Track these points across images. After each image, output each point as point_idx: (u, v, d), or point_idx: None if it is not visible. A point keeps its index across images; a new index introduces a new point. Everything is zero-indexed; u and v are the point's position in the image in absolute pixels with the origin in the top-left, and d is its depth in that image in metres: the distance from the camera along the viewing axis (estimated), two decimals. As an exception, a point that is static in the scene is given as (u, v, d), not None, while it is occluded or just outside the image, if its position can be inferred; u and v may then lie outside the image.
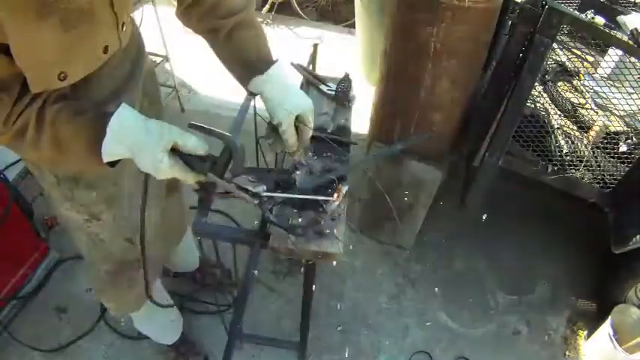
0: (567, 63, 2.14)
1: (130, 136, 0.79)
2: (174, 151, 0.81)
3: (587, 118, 2.00)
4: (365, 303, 2.17)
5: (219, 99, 3.07)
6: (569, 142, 1.96)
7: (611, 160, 1.96)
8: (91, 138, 0.79)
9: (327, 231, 1.09)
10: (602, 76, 2.00)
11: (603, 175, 1.96)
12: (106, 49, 0.90)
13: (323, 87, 1.54)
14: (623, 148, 1.91)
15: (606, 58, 2.00)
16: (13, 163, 2.27)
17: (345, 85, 1.50)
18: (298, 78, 1.63)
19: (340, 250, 1.07)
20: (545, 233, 2.51)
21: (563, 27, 1.84)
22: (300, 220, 1.10)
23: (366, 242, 2.42)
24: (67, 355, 1.88)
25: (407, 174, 2.02)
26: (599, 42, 1.84)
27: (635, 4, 2.18)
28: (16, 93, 0.77)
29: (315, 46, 1.78)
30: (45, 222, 2.26)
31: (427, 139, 1.79)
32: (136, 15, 2.44)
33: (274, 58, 1.04)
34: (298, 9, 3.96)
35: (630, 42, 1.64)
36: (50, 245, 2.14)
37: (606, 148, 1.94)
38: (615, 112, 1.96)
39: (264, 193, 0.90)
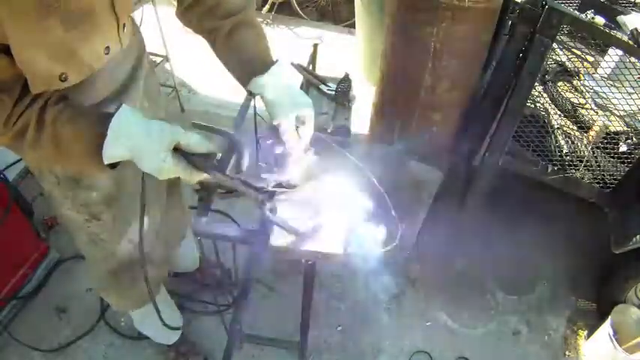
0: (567, 63, 2.14)
1: (132, 137, 0.79)
2: (177, 151, 0.81)
3: (587, 118, 2.00)
4: (365, 303, 2.17)
5: (219, 99, 3.07)
6: (569, 142, 1.96)
7: (611, 160, 1.96)
8: (92, 140, 0.79)
9: (328, 231, 1.09)
10: (602, 76, 2.00)
11: (603, 175, 1.96)
12: (107, 50, 0.90)
13: (323, 87, 1.55)
14: (623, 148, 1.91)
15: (606, 58, 2.00)
16: (13, 163, 2.27)
17: (345, 85, 1.50)
18: (299, 78, 1.63)
19: (341, 251, 1.07)
20: (545, 233, 2.50)
21: (563, 27, 1.85)
22: (300, 219, 1.10)
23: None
24: (67, 355, 1.88)
25: (407, 174, 2.02)
26: (599, 42, 1.84)
27: (635, 4, 2.18)
28: (17, 94, 0.77)
29: (315, 46, 1.78)
30: (45, 222, 2.26)
31: (427, 140, 1.79)
32: (136, 15, 2.43)
33: (274, 59, 1.04)
34: (298, 9, 3.96)
35: (630, 42, 1.64)
36: (50, 245, 2.14)
37: (606, 148, 1.94)
38: (615, 112, 1.96)
39: (269, 188, 0.90)
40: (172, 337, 1.82)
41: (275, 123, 0.99)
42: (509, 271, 2.37)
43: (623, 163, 1.92)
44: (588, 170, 1.96)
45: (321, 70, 1.70)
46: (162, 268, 1.55)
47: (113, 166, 0.83)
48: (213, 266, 2.03)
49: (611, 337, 1.84)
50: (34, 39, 0.73)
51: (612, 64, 1.89)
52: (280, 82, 1.00)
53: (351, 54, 3.53)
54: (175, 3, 1.06)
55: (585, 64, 2.15)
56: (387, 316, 2.14)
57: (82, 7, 0.77)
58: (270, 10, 3.90)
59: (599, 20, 1.95)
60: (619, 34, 1.75)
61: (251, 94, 1.07)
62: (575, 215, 2.45)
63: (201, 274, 2.09)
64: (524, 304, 2.24)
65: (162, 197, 1.41)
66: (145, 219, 1.27)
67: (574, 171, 1.94)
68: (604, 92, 1.98)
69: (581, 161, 1.93)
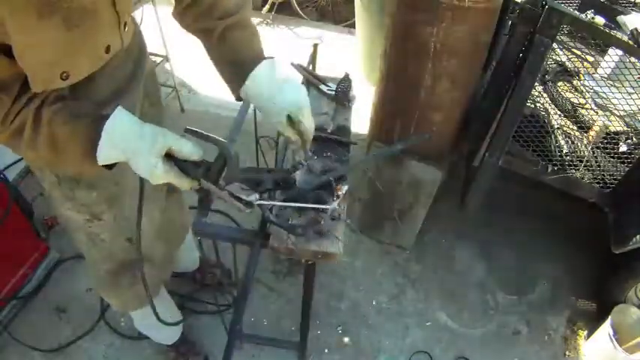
0: (567, 63, 2.14)
1: (125, 140, 0.79)
2: (169, 157, 0.81)
3: (587, 118, 2.00)
4: (365, 303, 2.18)
5: (219, 99, 3.07)
6: (569, 142, 1.96)
7: (611, 160, 1.96)
8: (87, 141, 0.79)
9: (327, 231, 1.09)
10: (602, 76, 2.00)
11: (603, 175, 1.96)
12: (108, 49, 0.90)
13: (323, 87, 1.55)
14: (623, 148, 1.91)
15: (606, 58, 2.00)
16: (13, 163, 2.27)
17: (345, 85, 1.50)
18: (298, 77, 1.63)
19: (340, 250, 1.07)
20: (545, 233, 2.51)
21: (563, 27, 1.85)
22: (300, 219, 1.10)
23: (366, 242, 2.42)
24: (67, 355, 1.88)
25: (407, 174, 2.02)
26: (599, 42, 1.84)
27: (635, 4, 2.18)
28: (16, 92, 0.77)
29: (315, 46, 1.78)
30: (45, 222, 2.26)
31: (427, 139, 1.79)
32: (136, 15, 2.43)
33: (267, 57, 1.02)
34: (298, 9, 3.96)
35: (630, 42, 1.64)
36: (50, 245, 2.14)
37: (606, 148, 1.94)
38: (615, 112, 1.96)
39: (257, 202, 0.90)
40: (172, 337, 1.82)
41: (276, 124, 0.98)
42: (509, 271, 2.37)
43: (623, 163, 1.93)
44: (588, 170, 1.96)
45: (321, 70, 1.70)
46: (163, 269, 1.55)
47: (110, 166, 0.83)
48: (213, 266, 2.03)
49: (611, 337, 1.84)
50: (35, 37, 0.73)
51: (612, 64, 1.89)
52: (267, 80, 0.98)
53: (351, 54, 3.54)
54: (173, 2, 1.06)
55: (585, 64, 2.15)
56: (387, 316, 2.14)
57: (84, 6, 0.77)
58: (270, 10, 3.90)
59: (599, 20, 1.95)
60: (619, 34, 1.75)
61: (239, 99, 1.05)
62: (575, 215, 2.45)
63: (201, 274, 2.10)
64: (524, 304, 2.25)
65: (162, 197, 1.41)
66: (145, 219, 1.28)
67: (574, 171, 1.95)
68: (604, 92, 1.98)
69: (581, 161, 1.93)
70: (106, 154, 0.79)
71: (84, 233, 1.22)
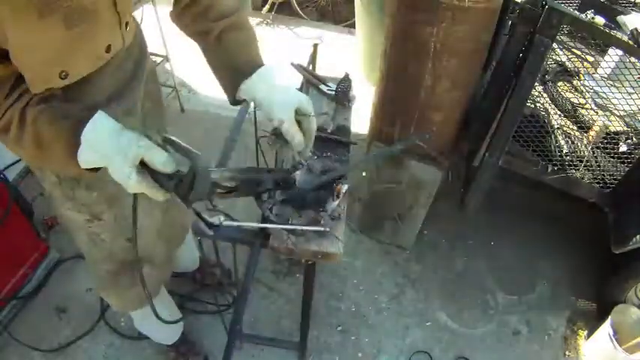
0: (567, 63, 2.14)
1: (103, 147, 0.77)
2: (144, 166, 0.79)
3: (587, 118, 2.00)
4: (365, 303, 2.18)
5: (219, 99, 3.05)
6: (569, 142, 1.96)
7: (611, 160, 1.96)
8: (69, 144, 0.78)
9: (327, 231, 1.09)
10: (602, 76, 2.00)
11: (603, 175, 1.96)
12: (108, 48, 0.90)
13: (323, 87, 1.55)
14: (623, 148, 1.91)
15: (606, 58, 2.00)
16: (13, 163, 2.27)
17: (345, 85, 1.50)
18: (298, 79, 1.63)
19: (340, 250, 1.07)
20: (545, 233, 2.51)
21: (563, 27, 1.85)
22: (300, 219, 1.10)
23: (366, 242, 2.42)
24: (67, 355, 1.88)
25: (407, 174, 2.02)
26: (599, 42, 1.84)
27: (635, 4, 2.18)
28: (5, 92, 0.78)
29: (315, 46, 1.78)
30: (45, 222, 2.26)
31: (427, 140, 1.79)
32: (136, 15, 2.43)
33: (265, 63, 1.01)
34: (298, 9, 3.96)
35: (630, 42, 1.64)
36: (50, 245, 2.14)
37: (606, 148, 1.94)
38: (615, 112, 1.96)
39: (223, 222, 0.88)
40: (172, 337, 1.82)
41: (276, 124, 0.96)
42: (509, 271, 2.37)
43: (623, 163, 1.93)
44: (588, 170, 1.96)
45: (321, 70, 1.70)
46: (164, 269, 1.55)
47: (96, 169, 0.82)
48: (213, 266, 2.03)
49: (611, 337, 1.84)
50: (34, 37, 0.73)
51: (612, 64, 1.89)
52: (270, 82, 0.98)
53: (351, 54, 3.54)
54: (172, 3, 1.06)
55: (585, 64, 2.15)
56: (387, 316, 2.14)
57: (84, 5, 0.77)
58: (270, 10, 3.90)
59: (599, 20, 1.95)
60: (619, 34, 1.75)
61: (234, 104, 1.04)
62: (575, 215, 2.45)
63: (201, 274, 2.10)
64: (524, 304, 2.25)
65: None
66: (147, 219, 1.28)
67: (574, 171, 1.95)
68: (604, 92, 1.98)
69: (581, 161, 1.93)
70: (85, 158, 0.78)
71: (84, 233, 1.22)
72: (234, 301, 1.65)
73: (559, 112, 2.04)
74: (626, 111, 1.89)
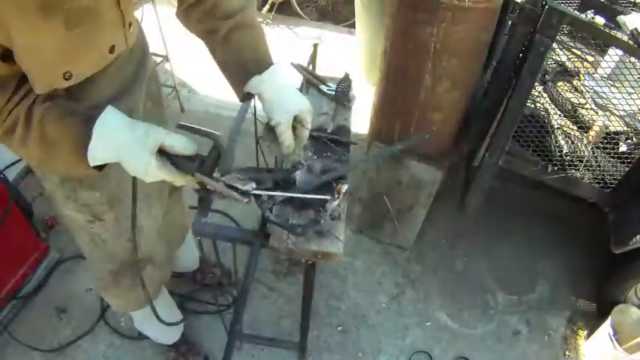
0: (567, 63, 2.14)
1: (116, 139, 0.78)
2: (162, 153, 0.80)
3: (587, 118, 2.00)
4: (365, 303, 2.18)
5: (219, 99, 3.07)
6: (569, 142, 1.96)
7: (611, 160, 1.96)
8: (77, 141, 0.78)
9: (327, 231, 1.09)
10: (602, 76, 2.00)
11: (603, 175, 1.96)
12: (112, 49, 0.90)
13: (323, 87, 1.55)
14: (623, 148, 1.91)
15: (606, 58, 2.00)
16: (13, 163, 2.27)
17: (345, 85, 1.50)
18: (298, 79, 1.63)
19: (340, 250, 1.07)
20: (545, 233, 2.51)
21: (563, 27, 1.84)
22: (300, 219, 1.10)
23: (366, 242, 2.42)
24: (67, 355, 1.88)
25: (407, 174, 2.02)
26: (599, 42, 1.84)
27: (635, 4, 2.18)
28: (10, 92, 0.77)
29: (315, 46, 1.78)
30: (45, 222, 2.26)
31: (427, 140, 1.79)
32: (136, 15, 2.43)
33: (273, 61, 1.03)
34: (298, 9, 3.96)
35: (630, 42, 1.64)
36: (50, 245, 2.14)
37: (606, 148, 1.94)
38: (615, 112, 1.96)
39: (254, 191, 0.90)
40: (172, 338, 1.82)
41: (273, 124, 0.98)
42: (509, 271, 2.37)
43: (623, 163, 1.93)
44: (588, 170, 1.96)
45: (321, 70, 1.70)
46: (164, 269, 1.55)
47: (101, 167, 0.83)
48: (213, 266, 2.03)
49: (611, 337, 1.84)
50: (39, 38, 0.73)
51: (612, 64, 1.89)
52: (278, 83, 0.99)
53: (351, 54, 3.54)
54: (175, 3, 1.06)
55: (585, 64, 2.15)
56: (387, 316, 2.14)
57: (86, 5, 0.77)
58: (270, 10, 3.90)
59: (599, 20, 1.95)
60: (619, 34, 1.75)
61: (243, 100, 1.06)
62: (575, 215, 2.45)
63: (201, 274, 2.10)
64: (524, 304, 2.25)
65: (164, 196, 1.41)
66: (148, 219, 1.28)
67: (574, 171, 1.94)
68: (604, 92, 1.98)
69: (581, 161, 1.93)
70: (96, 154, 0.78)
71: (85, 233, 1.22)
72: (234, 301, 1.65)
73: (559, 112, 2.04)
74: (626, 111, 1.89)
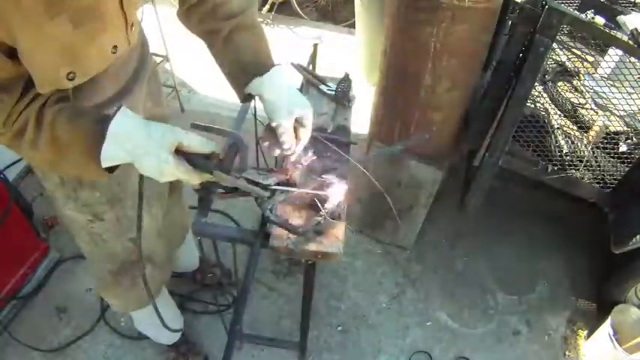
0: (567, 63, 2.14)
1: (132, 140, 0.78)
2: (178, 153, 0.81)
3: (587, 118, 2.00)
4: (365, 303, 2.18)
5: (219, 99, 3.07)
6: (569, 142, 1.96)
7: (611, 160, 1.96)
8: (90, 142, 0.78)
9: (327, 231, 1.09)
10: (602, 76, 2.00)
11: (603, 175, 1.96)
12: (114, 49, 0.90)
13: (323, 87, 1.55)
14: (623, 148, 1.91)
15: (606, 58, 2.00)
16: (13, 163, 2.27)
17: (345, 85, 1.50)
18: (298, 79, 1.63)
19: (340, 250, 1.07)
20: (545, 233, 2.51)
21: (563, 27, 1.84)
22: (300, 219, 1.10)
23: (366, 242, 2.42)
24: (67, 355, 1.88)
25: (407, 174, 2.02)
26: (599, 42, 1.84)
27: (635, 4, 2.18)
28: (18, 93, 0.77)
29: (315, 46, 1.78)
30: (45, 222, 2.26)
31: (427, 140, 1.79)
32: (137, 15, 2.43)
33: (275, 62, 1.03)
34: (298, 9, 3.96)
35: (630, 42, 1.64)
36: (50, 245, 2.14)
37: (606, 148, 1.94)
38: (615, 112, 1.96)
39: (275, 186, 0.91)
40: (172, 338, 1.82)
41: (274, 125, 0.98)
42: (509, 271, 2.37)
43: (623, 163, 1.93)
44: (588, 170, 1.96)
45: (321, 70, 1.70)
46: (164, 269, 1.55)
47: (111, 169, 0.83)
48: (213, 266, 2.03)
49: (611, 337, 1.84)
50: (43, 38, 0.73)
51: (612, 64, 1.89)
52: (280, 84, 0.99)
53: (351, 54, 3.53)
54: (176, 3, 1.06)
55: (585, 64, 2.15)
56: (387, 316, 2.14)
57: (91, 5, 0.77)
58: (270, 10, 3.90)
59: (599, 20, 1.95)
60: (619, 34, 1.75)
61: (244, 101, 1.06)
62: (575, 215, 2.45)
63: (201, 274, 2.10)
64: (524, 304, 2.25)
65: (164, 196, 1.41)
66: (148, 219, 1.28)
67: (574, 171, 1.94)
68: (604, 92, 1.98)
69: (581, 161, 1.93)
70: (110, 155, 0.78)
71: (86, 233, 1.22)
72: (234, 301, 1.65)
73: (559, 112, 2.04)
74: (626, 111, 1.89)
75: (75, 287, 2.07)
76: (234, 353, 1.72)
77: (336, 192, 1.08)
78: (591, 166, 1.96)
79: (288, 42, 3.74)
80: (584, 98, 2.06)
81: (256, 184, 0.88)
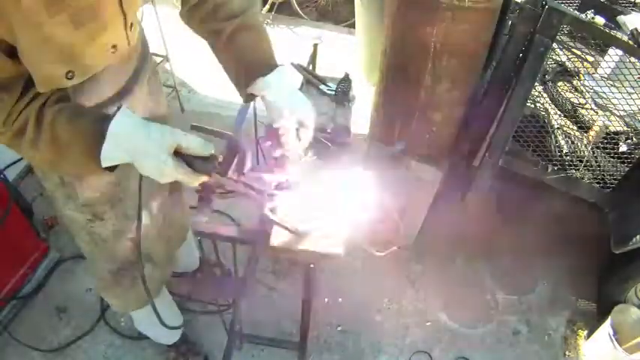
0: (567, 63, 2.14)
1: (131, 140, 0.78)
2: (177, 154, 0.81)
3: (587, 118, 2.00)
4: (365, 303, 2.17)
5: (219, 99, 3.07)
6: (569, 142, 1.96)
7: (611, 160, 1.96)
8: (90, 141, 0.78)
9: (328, 231, 1.09)
10: (602, 76, 2.00)
11: (603, 175, 1.96)
12: (114, 48, 0.90)
13: (323, 87, 1.55)
14: (623, 148, 1.91)
15: (606, 58, 1.99)
16: (13, 163, 2.27)
17: (345, 85, 1.51)
18: (299, 78, 1.63)
19: (340, 251, 1.07)
20: (545, 233, 2.50)
21: (563, 27, 1.84)
22: (300, 220, 1.10)
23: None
24: (67, 355, 1.88)
25: (407, 174, 2.02)
26: (599, 42, 1.84)
27: (635, 4, 2.18)
28: (18, 93, 0.77)
29: (315, 46, 1.78)
30: (45, 222, 2.26)
31: (427, 140, 1.79)
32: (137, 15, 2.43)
33: (278, 63, 1.03)
34: (298, 9, 3.96)
35: (630, 42, 1.64)
36: (50, 245, 2.14)
37: (606, 148, 1.94)
38: (615, 112, 1.96)
39: (271, 191, 0.91)
40: (172, 337, 1.82)
41: (275, 125, 0.99)
42: (509, 271, 2.37)
43: (623, 163, 1.92)
44: (588, 170, 1.96)
45: (321, 70, 1.70)
46: (164, 269, 1.55)
47: (112, 169, 0.83)
48: (213, 266, 2.03)
49: (611, 337, 1.84)
50: (42, 37, 0.73)
51: (612, 64, 1.89)
52: (283, 84, 0.99)
53: (351, 54, 3.53)
54: (177, 4, 1.06)
55: (585, 64, 2.15)
56: (387, 316, 2.14)
57: (91, 4, 0.77)
58: (270, 10, 3.90)
59: (599, 20, 1.95)
60: (619, 34, 1.75)
61: (247, 101, 1.06)
62: (575, 215, 2.45)
63: (201, 274, 2.09)
64: (524, 304, 2.24)
65: (164, 196, 1.41)
66: (148, 219, 1.28)
67: (574, 171, 1.94)
68: (604, 92, 1.98)
69: (581, 161, 1.93)
70: (109, 155, 0.78)
71: (86, 233, 1.22)
72: (234, 301, 1.65)
73: (559, 112, 2.04)
74: (626, 111, 1.89)
75: (75, 287, 2.07)
76: (234, 353, 1.72)
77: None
78: (591, 166, 1.96)
79: (288, 42, 3.74)
80: (584, 98, 2.06)
81: (253, 188, 0.88)
